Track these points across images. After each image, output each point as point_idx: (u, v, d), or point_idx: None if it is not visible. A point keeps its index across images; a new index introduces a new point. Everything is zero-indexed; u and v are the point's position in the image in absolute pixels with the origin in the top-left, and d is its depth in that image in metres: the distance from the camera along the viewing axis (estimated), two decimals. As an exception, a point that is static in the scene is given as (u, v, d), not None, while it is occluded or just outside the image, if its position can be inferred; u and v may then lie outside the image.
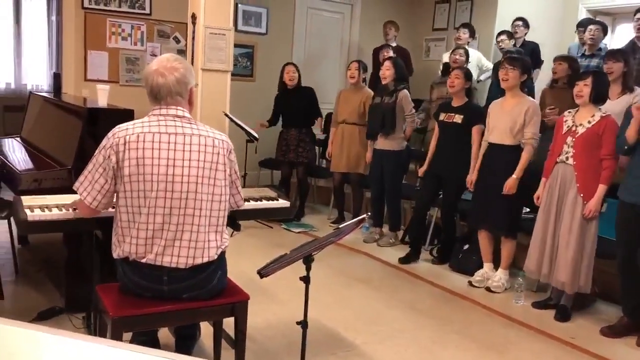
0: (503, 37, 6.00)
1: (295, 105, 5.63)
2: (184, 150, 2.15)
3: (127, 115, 3.22)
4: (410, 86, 5.23)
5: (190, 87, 2.23)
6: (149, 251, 2.16)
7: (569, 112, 3.73)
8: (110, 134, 2.17)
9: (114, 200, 2.22)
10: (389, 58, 5.17)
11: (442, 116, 4.57)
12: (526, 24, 6.10)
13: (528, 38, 6.23)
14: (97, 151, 2.19)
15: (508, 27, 6.20)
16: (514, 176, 3.93)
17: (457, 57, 5.57)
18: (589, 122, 3.56)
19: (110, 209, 2.27)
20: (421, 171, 4.78)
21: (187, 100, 2.24)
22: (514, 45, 6.02)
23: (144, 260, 2.16)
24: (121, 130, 2.15)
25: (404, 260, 4.68)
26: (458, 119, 4.43)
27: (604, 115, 3.55)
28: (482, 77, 6.32)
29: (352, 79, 5.42)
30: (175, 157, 2.14)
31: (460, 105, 4.48)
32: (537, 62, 6.03)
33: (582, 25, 5.79)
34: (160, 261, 2.16)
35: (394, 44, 6.68)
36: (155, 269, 2.18)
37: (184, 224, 2.16)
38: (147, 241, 2.15)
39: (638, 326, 3.46)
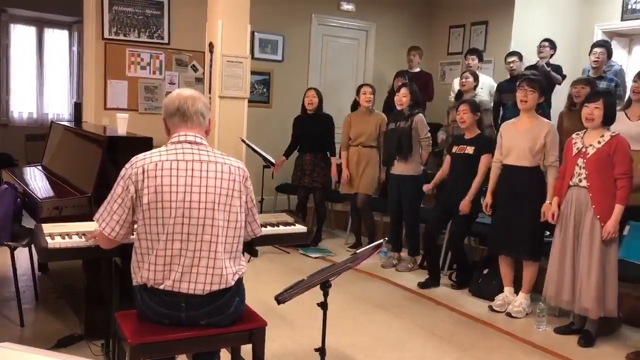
0: (514, 58, 5.94)
1: (312, 130, 5.66)
2: (200, 177, 2.18)
3: (146, 142, 3.26)
4: (426, 110, 5.25)
5: (210, 115, 2.35)
6: (167, 277, 2.17)
7: (577, 134, 3.70)
8: (128, 165, 2.21)
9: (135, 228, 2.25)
10: (405, 85, 5.19)
11: (454, 149, 4.62)
12: (553, 45, 6.02)
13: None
14: (116, 182, 2.22)
15: (523, 50, 6.18)
16: (547, 202, 3.87)
17: (464, 80, 5.59)
18: (599, 142, 3.53)
19: (131, 237, 2.29)
20: (426, 187, 4.82)
21: (205, 127, 2.33)
22: (538, 65, 6.01)
23: (161, 287, 2.17)
24: (139, 160, 2.19)
25: (424, 285, 4.64)
26: (470, 150, 4.48)
27: (613, 134, 3.53)
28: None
29: (369, 103, 5.46)
30: (192, 184, 2.17)
31: (473, 137, 4.53)
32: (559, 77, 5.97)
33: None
34: (178, 288, 2.17)
35: (417, 70, 6.72)
36: (173, 296, 2.18)
37: (201, 250, 2.17)
38: (164, 267, 2.17)
39: (665, 352, 3.38)
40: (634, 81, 4.05)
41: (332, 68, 7.61)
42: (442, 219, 4.72)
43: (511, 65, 5.92)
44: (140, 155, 2.21)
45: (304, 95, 5.77)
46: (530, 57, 6.18)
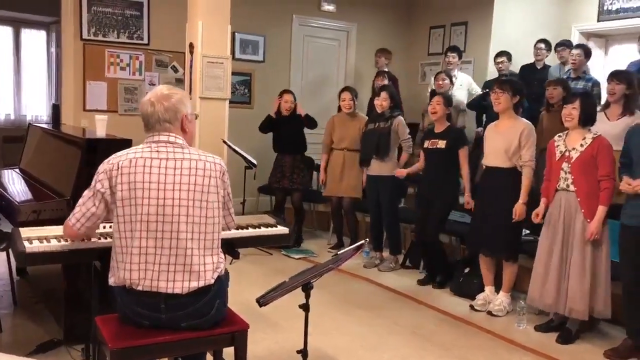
0: (503, 58, 5.99)
1: (289, 132, 5.68)
2: (174, 175, 2.18)
3: (125, 144, 3.22)
4: (405, 111, 5.29)
5: (181, 115, 2.25)
6: (143, 277, 2.16)
7: (559, 136, 3.73)
8: (106, 160, 2.23)
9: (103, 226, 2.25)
10: (385, 88, 5.21)
11: (426, 143, 4.66)
12: (549, 46, 6.04)
13: (522, 62, 6.27)
14: (94, 176, 2.24)
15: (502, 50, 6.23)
16: (520, 202, 3.89)
17: (440, 82, 5.63)
18: (582, 145, 3.56)
19: (109, 239, 2.28)
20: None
21: (178, 127, 2.26)
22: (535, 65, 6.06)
23: (140, 288, 2.16)
24: (115, 157, 2.21)
25: (422, 282, 4.74)
26: (441, 144, 4.51)
27: (595, 136, 3.56)
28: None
29: (349, 109, 5.47)
30: (166, 182, 2.17)
31: (443, 130, 4.57)
32: None
33: (561, 45, 5.85)
34: (157, 287, 2.16)
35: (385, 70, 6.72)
36: (152, 296, 2.17)
37: (177, 248, 2.17)
38: (140, 266, 2.16)
39: (642, 348, 3.43)
40: (608, 83, 4.10)
41: (313, 68, 7.62)
42: (426, 214, 4.66)
43: (500, 65, 5.97)
44: (120, 152, 2.24)
45: (279, 96, 5.76)
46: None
